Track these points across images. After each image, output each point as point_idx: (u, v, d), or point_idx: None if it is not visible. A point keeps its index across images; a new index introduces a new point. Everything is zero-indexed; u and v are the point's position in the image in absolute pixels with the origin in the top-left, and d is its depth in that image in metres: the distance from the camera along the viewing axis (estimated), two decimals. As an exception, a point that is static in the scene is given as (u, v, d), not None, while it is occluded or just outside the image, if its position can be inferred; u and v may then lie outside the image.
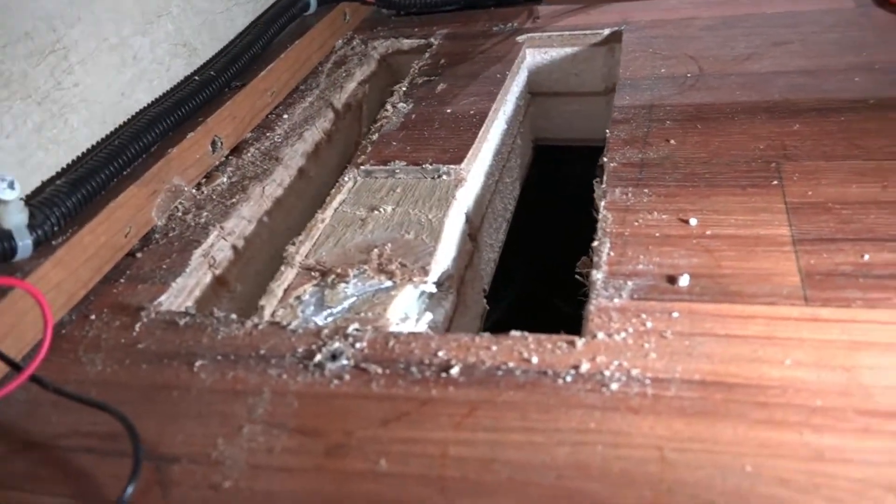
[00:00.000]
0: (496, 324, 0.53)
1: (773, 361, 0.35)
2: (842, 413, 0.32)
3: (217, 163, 0.60)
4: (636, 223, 0.46)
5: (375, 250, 0.48)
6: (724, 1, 0.76)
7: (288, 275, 0.47)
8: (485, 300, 0.59)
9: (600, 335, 0.38)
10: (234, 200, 0.55)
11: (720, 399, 0.33)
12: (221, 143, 0.60)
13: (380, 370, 0.38)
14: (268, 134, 0.64)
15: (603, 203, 0.48)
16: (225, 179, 0.58)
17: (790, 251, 0.42)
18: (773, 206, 0.46)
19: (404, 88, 0.69)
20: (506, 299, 0.79)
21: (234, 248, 0.53)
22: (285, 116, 0.66)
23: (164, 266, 0.49)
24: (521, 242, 0.73)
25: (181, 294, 0.48)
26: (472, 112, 0.62)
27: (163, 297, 0.46)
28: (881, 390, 0.33)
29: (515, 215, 0.72)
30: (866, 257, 0.40)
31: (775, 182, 0.48)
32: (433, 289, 0.47)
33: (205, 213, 0.54)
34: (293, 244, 0.49)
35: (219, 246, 0.52)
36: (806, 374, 0.34)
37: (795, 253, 0.41)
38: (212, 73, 0.62)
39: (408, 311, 0.45)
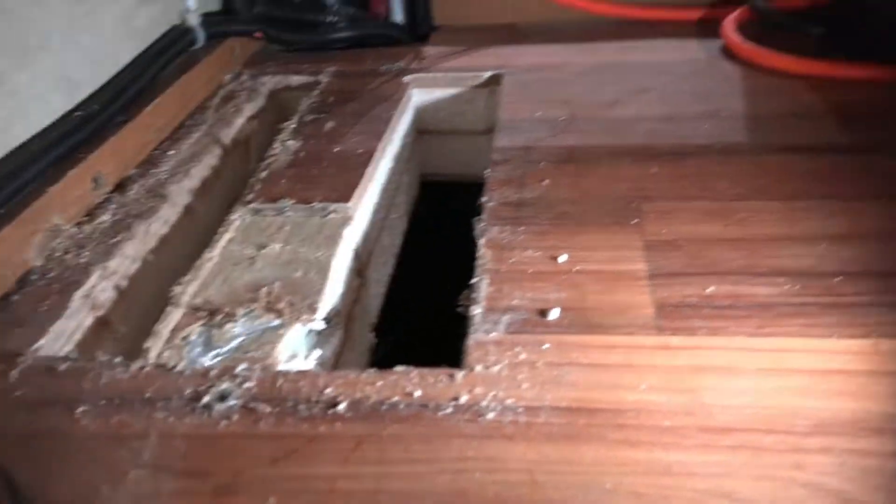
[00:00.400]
0: (384, 357, 0.55)
1: (629, 387, 0.39)
2: (686, 431, 0.36)
3: (99, 200, 0.59)
4: (512, 260, 0.49)
5: (264, 289, 0.49)
6: (594, 49, 0.83)
7: (174, 315, 0.47)
8: (372, 334, 0.61)
9: (478, 368, 0.41)
10: (117, 239, 0.55)
11: (584, 424, 0.37)
12: (104, 180, 0.59)
13: (268, 409, 0.39)
14: (153, 171, 0.64)
15: (482, 241, 0.52)
16: (108, 217, 0.57)
17: (646, 285, 0.46)
18: (632, 243, 0.50)
19: (293, 126, 0.70)
20: (394, 333, 0.81)
21: (118, 288, 0.53)
22: (171, 152, 0.66)
23: (43, 309, 0.48)
24: (408, 276, 0.75)
25: (61, 338, 0.47)
26: (359, 151, 0.64)
27: (41, 342, 0.45)
28: (720, 409, 0.37)
29: (403, 249, 0.74)
30: (710, 289, 0.46)
31: (635, 221, 0.53)
32: (321, 326, 0.48)
33: (86, 253, 0.53)
34: (180, 284, 0.49)
35: (101, 287, 0.51)
36: (657, 398, 0.38)
37: (650, 286, 0.46)
38: (95, 107, 0.61)
39: (296, 349, 0.46)
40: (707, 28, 0.85)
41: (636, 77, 0.75)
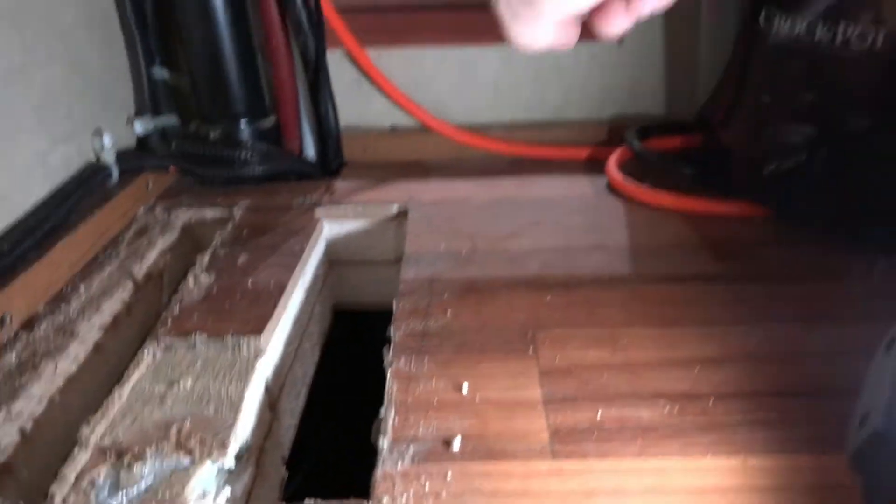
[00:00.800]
0: (297, 491, 0.55)
1: (527, 513, 0.42)
2: (579, 554, 0.39)
3: (5, 340, 0.59)
4: (418, 390, 0.52)
5: (174, 426, 0.49)
6: (494, 184, 0.90)
7: (81, 457, 0.47)
8: (283, 468, 0.61)
9: (385, 499, 0.42)
10: (22, 380, 0.54)
11: (485, 551, 0.39)
12: (10, 318, 0.59)
13: (176, 552, 0.39)
14: (63, 307, 0.64)
15: (390, 371, 0.54)
16: (13, 357, 0.57)
17: (541, 411, 0.50)
18: (528, 370, 0.54)
19: (206, 259, 0.72)
20: (307, 465, 0.81)
21: (22, 431, 0.52)
22: (82, 288, 0.67)
23: (-60, 455, 0.47)
24: (321, 406, 0.77)
25: (-41, 485, 0.46)
26: (272, 284, 0.67)
27: (-63, 491, 0.44)
28: (609, 531, 0.41)
29: (316, 379, 0.76)
30: (599, 414, 0.50)
31: (531, 349, 0.57)
32: (232, 463, 0.49)
33: (-11, 395, 0.53)
34: (87, 424, 0.50)
35: (3, 431, 0.50)
36: (553, 522, 0.41)
37: (546, 412, 0.50)
38: (4, 247, 0.62)
39: (206, 488, 0.47)
40: (594, 165, 0.94)
41: (532, 210, 0.82)
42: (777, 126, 0.71)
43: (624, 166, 0.90)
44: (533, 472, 0.45)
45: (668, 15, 0.94)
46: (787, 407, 0.50)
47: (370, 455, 0.49)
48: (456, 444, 0.47)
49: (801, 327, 0.59)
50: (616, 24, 0.33)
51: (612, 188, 0.87)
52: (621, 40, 0.96)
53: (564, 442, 0.47)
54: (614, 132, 0.99)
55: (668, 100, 1.00)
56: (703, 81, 0.93)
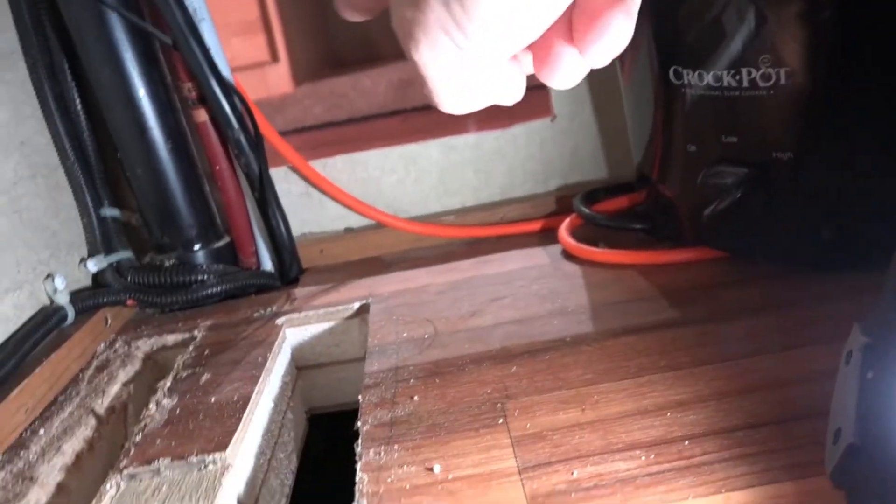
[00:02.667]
0: None
1: (510, 586, 0.40)
2: None
3: (-39, 495, 0.57)
4: (389, 479, 0.51)
5: (140, 557, 0.47)
6: (451, 268, 0.91)
7: None
8: (267, 585, 0.58)
9: None
10: (-20, 534, 0.52)
11: None
12: (-34, 472, 0.58)
13: None
14: (21, 453, 0.62)
15: (359, 465, 0.53)
16: (-30, 512, 0.55)
17: (517, 480, 0.49)
18: (500, 442, 0.53)
19: (168, 384, 0.71)
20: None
21: (-20, 587, 0.49)
22: (41, 431, 0.65)
23: None
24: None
25: None
26: (235, 398, 0.66)
27: None
28: (597, 591, 0.39)
29: (297, 487, 0.73)
30: (575, 473, 0.48)
31: (501, 420, 0.56)
32: (204, 586, 0.47)
33: (-56, 555, 0.50)
34: (49, 569, 0.47)
35: (-40, 590, 0.48)
36: (537, 591, 0.39)
37: (521, 481, 0.49)
38: (-44, 400, 0.61)
39: None
40: (548, 236, 0.96)
41: (490, 288, 0.82)
42: (707, 171, 0.73)
43: (576, 232, 0.92)
44: (512, 542, 0.43)
45: (590, 82, 0.99)
46: (763, 438, 0.50)
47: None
48: (431, 528, 0.45)
49: (766, 359, 0.59)
50: (567, 72, 0.28)
51: (567, 254, 0.88)
52: (553, 117, 1.00)
53: (543, 507, 0.46)
54: (562, 202, 1.02)
55: (608, 163, 1.04)
56: (634, 141, 0.96)
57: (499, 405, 0.58)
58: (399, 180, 1.02)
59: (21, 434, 0.65)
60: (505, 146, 1.02)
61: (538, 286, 0.81)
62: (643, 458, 0.49)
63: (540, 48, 0.27)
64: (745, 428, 0.51)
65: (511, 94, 0.28)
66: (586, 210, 0.93)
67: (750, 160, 0.70)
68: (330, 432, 0.89)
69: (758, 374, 0.57)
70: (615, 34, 0.26)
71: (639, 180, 0.96)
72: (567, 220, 0.94)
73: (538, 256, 0.91)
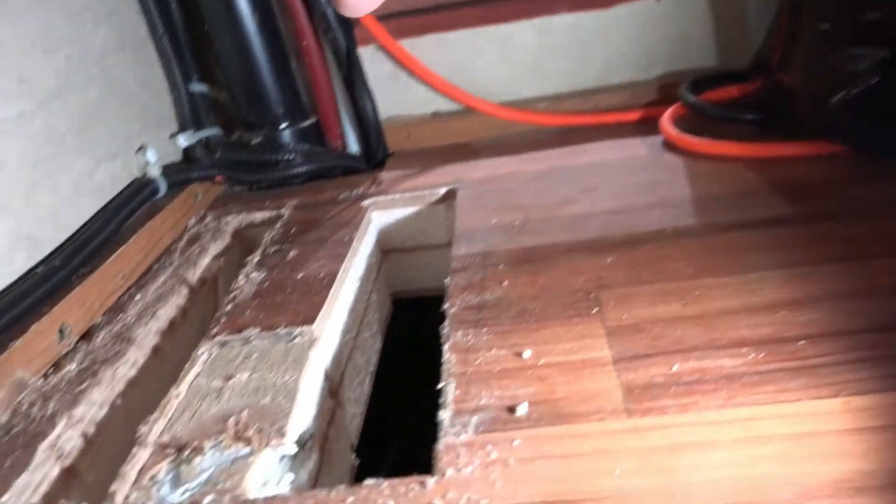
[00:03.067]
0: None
1: (604, 474, 0.38)
2: (666, 512, 0.35)
3: (65, 350, 0.59)
4: (477, 361, 0.49)
5: (232, 418, 0.48)
6: (542, 157, 0.87)
7: (141, 455, 0.46)
8: (353, 455, 0.59)
9: (449, 472, 0.40)
10: (83, 387, 0.54)
11: (561, 516, 0.36)
12: (70, 330, 0.60)
13: (237, 540, 0.38)
14: (120, 316, 0.64)
15: (446, 346, 0.52)
16: (74, 366, 0.57)
17: (612, 370, 0.46)
18: (594, 331, 0.51)
19: (257, 258, 0.71)
20: (380, 453, 0.79)
21: (85, 435, 0.51)
22: (138, 297, 0.67)
23: (7, 464, 0.47)
24: (390, 393, 0.75)
25: (25, 491, 0.45)
26: (322, 275, 0.65)
27: (5, 498, 0.44)
28: (698, 486, 0.37)
29: (381, 367, 0.74)
30: (675, 367, 0.46)
31: (595, 310, 0.53)
32: (293, 450, 0.47)
33: (52, 404, 0.52)
34: (146, 423, 0.49)
35: (67, 436, 0.50)
36: (634, 482, 0.37)
37: (616, 371, 0.46)
38: (56, 263, 0.62)
39: (268, 476, 0.45)
40: (646, 127, 0.90)
41: (584, 177, 0.78)
42: (841, 53, 0.65)
43: (678, 123, 0.85)
44: (608, 431, 0.41)
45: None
46: (886, 342, 0.45)
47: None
48: (521, 411, 0.44)
49: (891, 262, 0.53)
50: None
51: (668, 146, 0.83)
52: (661, -6, 0.92)
53: (640, 399, 0.43)
54: (664, 90, 0.95)
55: (718, 49, 0.95)
56: (753, 26, 0.88)
57: (592, 295, 0.55)
58: (491, 63, 0.97)
59: (119, 298, 0.67)
60: (605, 28, 0.94)
61: (636, 177, 0.76)
62: (751, 356, 0.46)
63: None
64: (869, 331, 0.46)
65: None
66: (693, 98, 0.86)
67: (893, 40, 0.62)
68: (412, 317, 0.89)
69: (886, 276, 0.52)
70: None
71: (754, 67, 0.88)
72: (670, 110, 0.88)
73: (636, 147, 0.85)
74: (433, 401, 0.53)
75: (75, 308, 0.61)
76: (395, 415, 0.82)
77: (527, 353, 0.49)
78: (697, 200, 0.69)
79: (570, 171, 0.81)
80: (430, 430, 0.50)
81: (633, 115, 0.93)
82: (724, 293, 0.53)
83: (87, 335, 0.61)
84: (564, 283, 0.58)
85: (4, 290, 0.59)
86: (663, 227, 0.64)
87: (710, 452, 0.39)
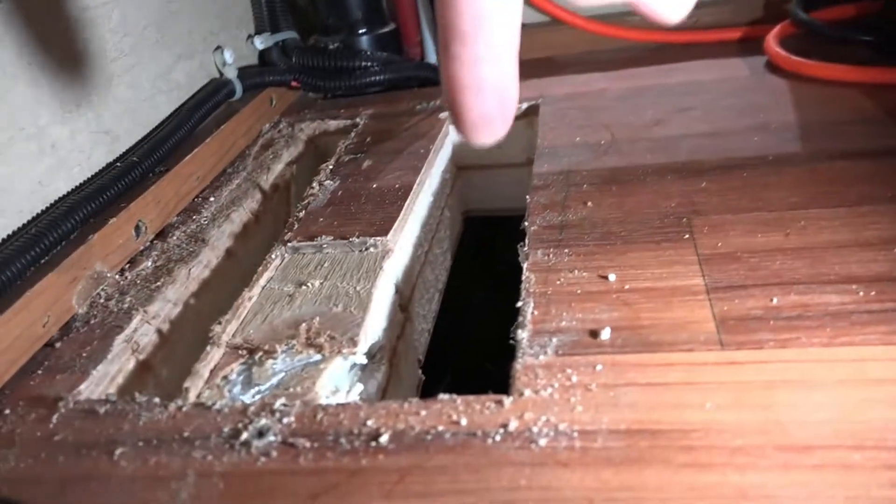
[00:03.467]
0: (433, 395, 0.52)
1: (694, 406, 0.36)
2: (761, 451, 0.33)
3: (141, 247, 0.59)
4: (558, 282, 0.47)
5: (304, 324, 0.47)
6: (632, 74, 0.81)
7: (214, 354, 0.46)
8: (420, 370, 0.59)
9: (527, 392, 0.38)
10: (158, 284, 0.54)
11: (645, 446, 0.34)
12: (146, 227, 0.60)
13: (308, 444, 0.37)
14: (194, 217, 0.64)
15: (526, 265, 0.49)
16: (149, 263, 0.57)
17: (704, 299, 0.43)
18: (685, 258, 0.47)
19: (331, 166, 0.70)
20: (446, 371, 0.79)
21: (159, 331, 0.52)
22: (212, 199, 0.67)
23: (85, 354, 0.48)
24: (457, 311, 0.73)
25: (102, 382, 0.46)
26: (397, 186, 0.63)
27: (83, 386, 0.45)
28: (797, 426, 0.34)
29: (449, 285, 0.72)
30: (775, 301, 0.42)
31: (686, 236, 0.50)
32: (363, 360, 0.47)
33: (128, 298, 0.53)
34: (219, 323, 0.48)
35: (142, 331, 0.51)
36: (726, 416, 0.35)
37: (709, 301, 0.43)
38: (134, 158, 0.62)
39: (338, 384, 0.44)
40: (748, 47, 0.83)
41: (677, 97, 0.73)
42: None
43: (786, 43, 0.78)
44: (698, 362, 0.38)
45: None
46: None
47: (509, 357, 0.44)
48: (605, 335, 0.41)
49: None
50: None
51: (772, 67, 0.76)
52: None
53: (735, 331, 0.40)
54: (770, 8, 0.87)
55: (838, -37, 0.86)
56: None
57: (684, 220, 0.52)
58: (582, -29, 0.90)
59: (193, 199, 0.67)
60: (711, -65, 0.87)
61: (735, 99, 0.71)
62: (860, 293, 0.42)
63: None
64: None
65: None
66: (805, 16, 0.78)
67: None
68: (483, 236, 0.87)
69: None
70: None
71: (877, -17, 0.80)
72: (776, 29, 0.81)
73: (736, 68, 0.79)
74: (497, 324, 0.51)
75: (151, 206, 0.61)
76: (457, 335, 0.82)
77: (612, 277, 0.46)
78: (804, 126, 0.63)
79: (662, 91, 0.75)
80: (492, 354, 0.48)
81: (735, 34, 0.86)
82: (833, 225, 0.49)
83: (161, 234, 0.61)
84: (653, 207, 0.54)
85: (84, 183, 0.59)
86: (764, 153, 0.59)
87: (811, 392, 0.36)
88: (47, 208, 0.55)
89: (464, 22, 0.23)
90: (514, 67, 0.25)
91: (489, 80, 0.24)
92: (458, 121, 0.25)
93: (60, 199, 0.56)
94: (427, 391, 0.59)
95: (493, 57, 0.24)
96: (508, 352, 0.45)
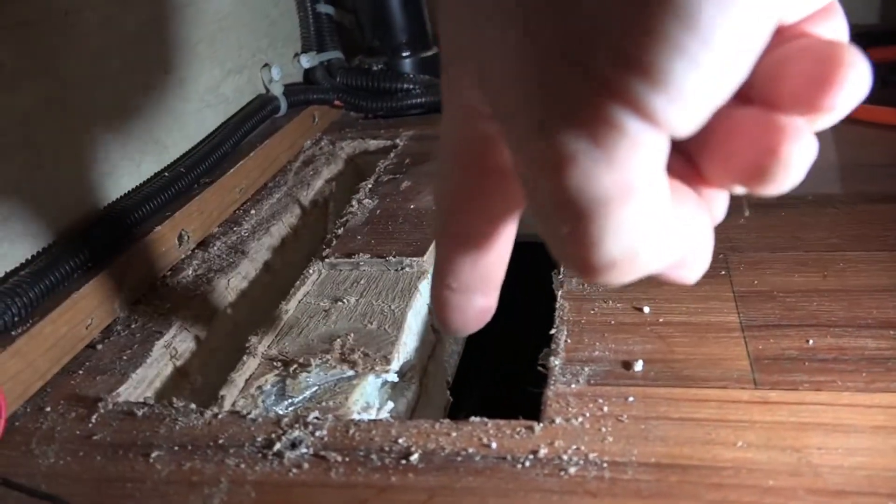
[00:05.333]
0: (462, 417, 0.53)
1: (725, 443, 0.36)
2: (793, 493, 0.33)
3: (183, 256, 0.61)
4: (592, 311, 0.47)
5: (338, 340, 0.48)
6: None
7: (250, 365, 0.47)
8: (448, 392, 0.59)
9: (558, 420, 0.38)
10: (197, 293, 0.56)
11: (675, 481, 0.34)
12: (188, 236, 0.61)
13: (339, 458, 0.38)
14: (235, 228, 0.65)
15: (560, 292, 0.50)
16: (190, 272, 0.59)
17: (739, 337, 0.43)
18: (721, 294, 0.47)
19: (370, 185, 0.71)
20: (472, 393, 0.79)
21: (197, 339, 0.53)
22: (253, 212, 0.68)
23: (125, 357, 0.49)
24: (486, 335, 0.74)
25: (141, 385, 0.47)
26: (434, 208, 0.64)
27: (121, 388, 0.46)
28: (829, 470, 0.34)
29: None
30: (811, 342, 0.42)
31: (723, 272, 0.50)
32: (395, 378, 0.47)
33: (168, 305, 0.54)
34: (256, 335, 0.49)
35: (181, 337, 0.52)
36: (757, 455, 0.35)
37: (744, 338, 0.43)
38: (181, 169, 0.64)
39: (370, 400, 0.45)
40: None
41: (717, 133, 0.73)
42: None
43: (828, 83, 0.78)
44: (731, 399, 0.38)
45: None
46: None
47: (538, 384, 0.45)
48: (638, 367, 0.41)
49: None
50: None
51: (814, 106, 0.76)
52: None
53: (769, 371, 0.40)
54: (815, 47, 0.86)
55: (883, 6, 0.86)
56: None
57: (721, 256, 0.52)
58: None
59: (235, 211, 0.68)
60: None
61: (776, 137, 0.70)
62: (898, 339, 0.42)
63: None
64: None
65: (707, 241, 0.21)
66: (849, 56, 0.78)
67: None
68: (517, 262, 0.88)
69: None
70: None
71: (925, 27, 0.79)
72: (820, 68, 0.80)
73: (777, 105, 0.79)
74: (526, 350, 0.52)
75: (195, 215, 0.62)
76: (485, 358, 0.82)
77: (647, 309, 0.47)
78: (844, 168, 0.63)
79: (701, 125, 0.75)
80: (518, 380, 0.49)
81: (777, 71, 0.85)
82: (872, 269, 0.48)
83: (203, 243, 0.63)
84: (690, 241, 0.54)
85: (132, 191, 0.60)
86: (804, 193, 0.59)
87: (845, 437, 0.36)
88: (96, 213, 0.57)
89: (458, 263, 0.25)
90: (497, 290, 0.27)
91: (475, 307, 0.26)
92: (440, 322, 0.28)
93: (110, 205, 0.58)
94: (453, 413, 0.59)
95: (483, 289, 0.26)
96: (537, 378, 0.45)
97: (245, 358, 0.48)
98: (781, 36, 0.19)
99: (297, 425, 0.40)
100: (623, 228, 0.17)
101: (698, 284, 0.48)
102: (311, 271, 0.57)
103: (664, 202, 0.17)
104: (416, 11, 0.90)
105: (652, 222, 0.17)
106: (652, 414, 0.38)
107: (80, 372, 0.48)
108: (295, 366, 0.46)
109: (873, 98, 0.65)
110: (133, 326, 0.52)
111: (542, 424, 0.38)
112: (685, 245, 0.19)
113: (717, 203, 0.22)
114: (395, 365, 0.47)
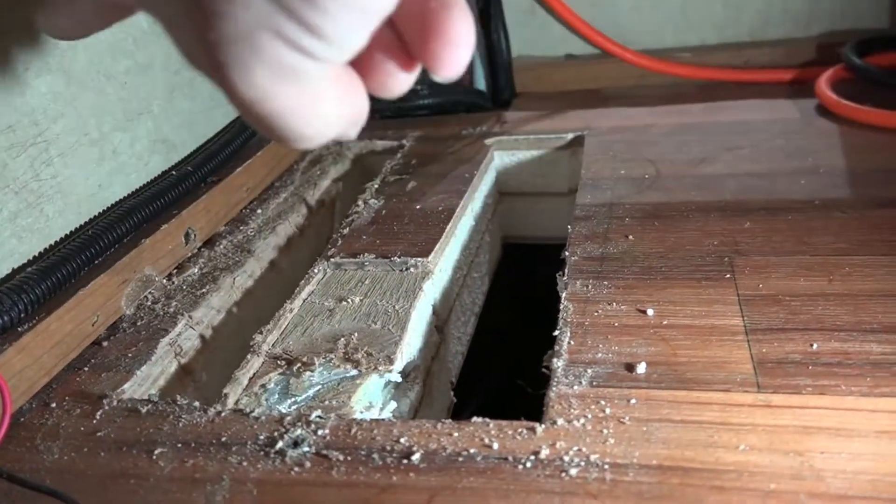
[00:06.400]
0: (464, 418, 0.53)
1: (727, 446, 0.36)
2: (795, 497, 0.33)
3: (189, 254, 0.61)
4: (596, 313, 0.47)
5: (342, 339, 0.48)
6: (680, 111, 0.81)
7: (254, 363, 0.47)
8: (451, 393, 0.59)
9: (560, 421, 0.38)
10: (203, 290, 0.56)
11: (677, 483, 0.34)
12: (195, 235, 0.62)
13: (341, 457, 0.38)
14: (241, 227, 0.65)
15: (564, 294, 0.50)
16: (196, 270, 0.59)
17: (743, 340, 0.43)
18: (726, 297, 0.47)
19: (376, 186, 0.71)
20: (475, 395, 0.79)
21: (202, 337, 0.53)
22: (259, 211, 0.68)
23: (130, 354, 0.49)
24: (490, 336, 0.74)
25: (145, 382, 0.48)
26: (440, 208, 0.64)
27: (126, 386, 0.46)
28: (832, 474, 0.34)
29: (485, 310, 0.73)
30: (815, 346, 0.42)
31: (728, 275, 0.50)
32: (398, 378, 0.47)
33: (174, 303, 0.54)
34: (260, 333, 0.50)
35: (186, 335, 0.52)
36: (760, 459, 0.35)
37: (748, 342, 0.43)
38: (189, 168, 0.64)
39: (372, 400, 0.45)
40: (799, 89, 0.83)
41: (725, 136, 0.73)
42: None
43: (837, 87, 0.78)
44: (734, 403, 0.38)
45: None
46: None
47: (541, 385, 0.45)
48: (641, 369, 0.41)
49: None
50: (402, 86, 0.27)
51: (823, 110, 0.76)
52: (837, -58, 0.83)
53: (772, 374, 0.40)
54: (824, 50, 0.86)
55: (893, 11, 0.86)
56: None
57: (726, 259, 0.52)
58: (634, 6, 0.91)
59: (241, 210, 0.69)
60: (766, -23, 0.87)
61: (784, 141, 0.70)
62: (904, 344, 0.41)
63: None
64: None
65: (361, 112, 0.26)
66: (860, 61, 0.78)
67: None
68: (522, 263, 0.88)
69: None
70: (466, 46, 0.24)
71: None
72: (829, 72, 0.80)
73: (786, 109, 0.78)
74: (529, 351, 0.52)
75: (202, 214, 0.63)
76: (488, 360, 0.82)
77: (650, 311, 0.46)
78: (852, 172, 0.63)
79: (709, 128, 0.75)
80: (522, 381, 0.49)
81: (786, 75, 0.85)
82: (878, 273, 0.48)
83: (209, 242, 0.63)
84: (696, 244, 0.54)
85: (140, 189, 0.61)
86: (811, 197, 0.59)
87: (848, 441, 0.35)
88: (104, 211, 0.57)
89: None
90: None
91: None
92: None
93: (117, 202, 0.58)
94: (456, 414, 0.59)
95: None
96: (540, 380, 0.45)
97: (249, 356, 0.48)
98: None
99: (299, 424, 0.40)
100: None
101: (703, 287, 0.49)
102: (316, 271, 0.57)
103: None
104: (424, 13, 0.90)
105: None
106: (654, 416, 0.38)
107: (86, 369, 0.48)
108: (298, 364, 0.47)
109: (882, 103, 0.65)
110: (139, 324, 0.53)
111: (544, 425, 0.38)
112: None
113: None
114: (399, 365, 0.47)
